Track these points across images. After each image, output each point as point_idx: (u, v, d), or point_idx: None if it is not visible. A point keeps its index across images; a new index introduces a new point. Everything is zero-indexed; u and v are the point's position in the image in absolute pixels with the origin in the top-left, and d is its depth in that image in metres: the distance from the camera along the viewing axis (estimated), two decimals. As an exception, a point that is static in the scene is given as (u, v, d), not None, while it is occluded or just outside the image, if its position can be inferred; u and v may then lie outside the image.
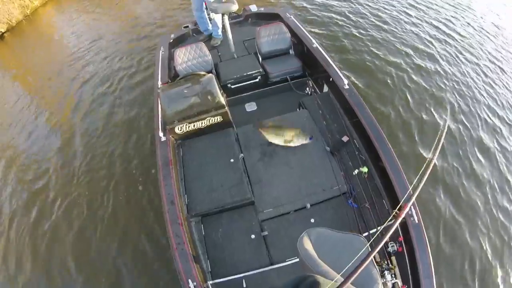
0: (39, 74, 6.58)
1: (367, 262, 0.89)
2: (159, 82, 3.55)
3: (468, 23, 6.24)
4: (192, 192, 2.70)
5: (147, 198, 3.66)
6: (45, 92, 6.07)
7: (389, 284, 2.06)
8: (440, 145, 1.50)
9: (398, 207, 1.25)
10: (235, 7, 3.65)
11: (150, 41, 6.57)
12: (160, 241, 3.20)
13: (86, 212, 3.69)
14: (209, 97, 2.85)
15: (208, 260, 2.43)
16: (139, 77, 5.61)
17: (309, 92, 3.83)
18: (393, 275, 2.11)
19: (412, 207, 2.18)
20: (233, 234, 2.52)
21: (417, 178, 1.31)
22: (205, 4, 4.25)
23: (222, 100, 2.89)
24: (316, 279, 0.53)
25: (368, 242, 2.26)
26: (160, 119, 3.00)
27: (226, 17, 3.83)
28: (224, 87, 3.76)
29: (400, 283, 2.08)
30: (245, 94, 3.91)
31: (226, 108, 2.94)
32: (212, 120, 2.96)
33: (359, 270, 0.86)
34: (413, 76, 4.85)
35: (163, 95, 2.81)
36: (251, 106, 3.90)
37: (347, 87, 3.03)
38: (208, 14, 4.41)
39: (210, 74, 2.93)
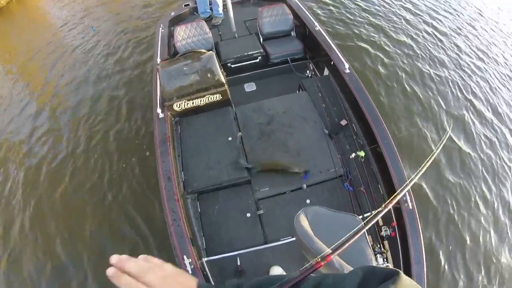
0: (26, 54, 6.35)
1: (357, 236, 0.89)
2: (158, 59, 3.49)
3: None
4: (189, 169, 2.69)
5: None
6: (32, 71, 5.89)
7: None
8: (444, 141, 1.51)
9: (395, 194, 1.25)
10: None
11: (147, 20, 6.40)
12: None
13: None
14: (208, 75, 2.81)
15: (203, 237, 2.45)
16: (136, 55, 5.48)
17: (309, 75, 3.79)
18: (384, 259, 2.16)
19: (407, 193, 2.20)
20: (229, 212, 2.54)
21: (418, 170, 1.30)
22: None
23: (222, 78, 2.85)
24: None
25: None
26: (158, 96, 2.96)
27: None
28: (223, 66, 3.70)
29: (391, 267, 2.12)
30: (244, 74, 3.87)
31: (225, 86, 2.90)
32: (211, 98, 2.93)
33: (349, 243, 0.87)
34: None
35: (162, 71, 2.77)
36: (250, 86, 3.87)
37: (348, 71, 3.01)
38: None
39: (211, 52, 2.88)
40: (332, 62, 3.19)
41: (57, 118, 4.62)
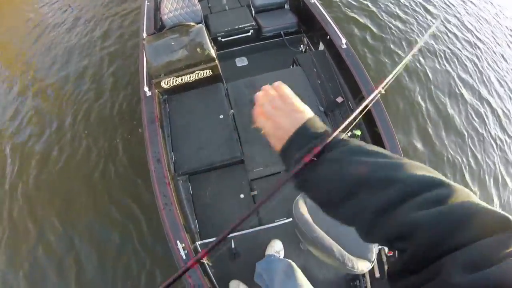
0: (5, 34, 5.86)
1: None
2: (144, 34, 3.27)
3: None
4: (180, 150, 2.59)
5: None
6: (12, 51, 5.45)
7: (375, 250, 2.11)
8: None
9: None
10: None
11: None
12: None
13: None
14: (198, 49, 2.64)
15: (196, 220, 2.40)
16: (123, 29, 5.14)
17: (304, 50, 3.63)
18: None
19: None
20: (221, 194, 2.47)
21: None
22: None
23: (212, 52, 2.69)
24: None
25: None
26: (145, 73, 2.80)
27: None
28: (214, 40, 3.52)
29: (386, 249, 2.12)
30: (236, 48, 3.69)
31: (216, 61, 2.75)
32: (201, 74, 2.78)
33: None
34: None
35: (148, 46, 2.59)
36: (242, 61, 3.70)
37: (344, 46, 2.86)
38: None
39: (200, 25, 2.70)
40: (328, 37, 3.04)
41: (42, 97, 4.40)
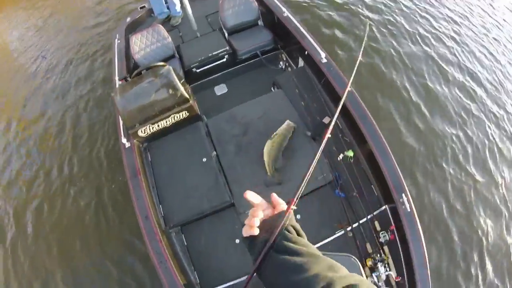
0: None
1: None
2: (117, 78, 3.17)
3: None
4: (167, 201, 2.47)
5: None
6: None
7: (383, 276, 1.96)
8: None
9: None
10: None
11: (103, 27, 5.91)
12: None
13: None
14: (170, 92, 2.52)
15: (194, 271, 2.28)
16: (96, 72, 5.07)
17: (283, 66, 3.49)
18: (386, 266, 2.00)
19: (403, 194, 2.04)
20: (216, 241, 2.35)
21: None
22: None
23: (185, 93, 2.55)
24: None
25: (359, 232, 2.14)
26: (121, 124, 2.69)
27: None
28: (188, 73, 3.40)
29: (394, 275, 1.97)
30: (213, 76, 3.55)
31: (190, 101, 2.61)
32: (177, 117, 2.65)
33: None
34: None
35: (118, 98, 2.47)
36: (221, 89, 3.56)
37: (324, 60, 2.72)
38: None
39: (168, 66, 2.56)
40: (306, 52, 2.89)
41: (27, 149, 4.38)
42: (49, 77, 5.32)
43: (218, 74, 3.54)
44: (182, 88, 2.53)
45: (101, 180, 3.61)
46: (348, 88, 1.44)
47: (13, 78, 5.72)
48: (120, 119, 2.68)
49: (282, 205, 0.74)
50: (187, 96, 2.56)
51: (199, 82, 3.46)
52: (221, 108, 3.03)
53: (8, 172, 4.13)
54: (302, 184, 0.80)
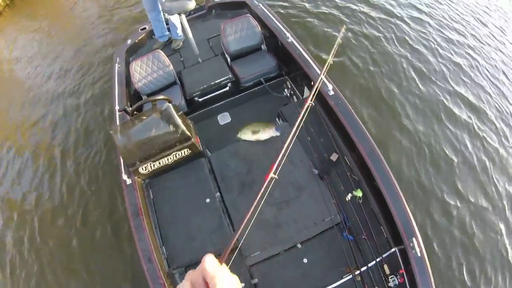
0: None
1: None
2: (117, 108, 3.09)
3: None
4: (170, 242, 2.39)
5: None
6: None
7: None
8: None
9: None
10: (191, 4, 3.11)
11: (108, 49, 5.92)
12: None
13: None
14: (170, 129, 2.44)
15: None
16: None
17: (288, 94, 3.40)
18: None
19: (414, 239, 1.95)
20: None
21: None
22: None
23: (186, 131, 2.47)
24: None
25: (367, 276, 2.06)
26: (122, 161, 2.61)
27: (183, 16, 3.28)
28: (190, 101, 3.32)
29: None
30: (216, 105, 3.47)
31: (192, 139, 2.53)
32: (179, 154, 2.57)
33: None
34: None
35: (117, 136, 2.39)
36: (224, 118, 3.48)
37: (332, 93, 2.63)
38: (165, 14, 3.83)
39: (167, 104, 2.47)
40: (312, 82, 2.81)
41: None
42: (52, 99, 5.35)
43: (221, 103, 3.45)
44: (183, 126, 2.45)
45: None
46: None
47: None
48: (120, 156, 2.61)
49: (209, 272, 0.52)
50: (189, 134, 2.48)
51: (202, 111, 3.39)
52: (225, 139, 2.95)
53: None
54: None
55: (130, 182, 2.54)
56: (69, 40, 6.63)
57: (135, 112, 2.57)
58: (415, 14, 5.18)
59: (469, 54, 4.51)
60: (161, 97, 2.64)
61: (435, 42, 4.64)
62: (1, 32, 8.17)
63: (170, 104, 2.45)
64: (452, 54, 4.48)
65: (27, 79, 6.02)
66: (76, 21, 7.23)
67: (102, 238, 3.41)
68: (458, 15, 5.22)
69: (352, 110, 2.52)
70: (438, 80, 4.14)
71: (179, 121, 2.44)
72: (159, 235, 2.44)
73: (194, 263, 2.33)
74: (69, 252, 3.41)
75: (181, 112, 2.63)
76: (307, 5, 5.56)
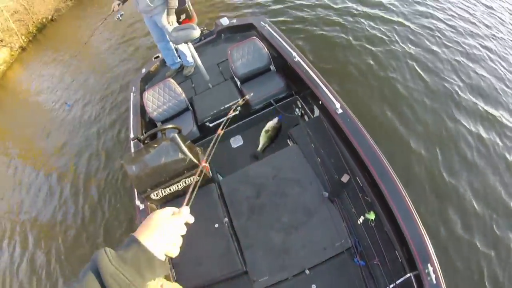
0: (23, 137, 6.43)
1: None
2: (131, 136, 3.22)
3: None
4: (178, 266, 2.41)
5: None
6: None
7: None
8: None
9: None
10: (196, 33, 3.22)
11: (125, 77, 6.31)
12: None
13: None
14: (178, 157, 2.50)
15: None
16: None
17: (299, 114, 3.38)
18: None
19: (429, 265, 1.83)
20: None
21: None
22: None
23: (194, 158, 2.53)
24: None
25: None
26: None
27: (190, 44, 3.40)
28: (202, 127, 3.39)
29: None
30: (227, 128, 3.48)
31: (200, 167, 2.54)
32: (188, 181, 2.62)
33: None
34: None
35: (128, 167, 2.50)
36: (236, 141, 3.50)
37: (340, 111, 2.58)
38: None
39: (173, 135, 2.55)
40: (320, 101, 2.79)
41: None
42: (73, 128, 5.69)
43: (233, 126, 3.48)
44: (190, 154, 2.51)
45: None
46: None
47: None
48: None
49: None
50: (196, 161, 2.52)
51: (213, 135, 3.43)
52: (238, 162, 2.99)
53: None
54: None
55: (143, 207, 2.61)
56: (89, 70, 7.10)
57: (146, 141, 2.67)
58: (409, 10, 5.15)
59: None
60: (170, 126, 2.73)
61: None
62: (26, 66, 8.84)
63: (176, 135, 2.52)
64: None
65: (51, 109, 6.42)
66: (95, 52, 7.77)
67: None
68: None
69: (362, 128, 2.46)
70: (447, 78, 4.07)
71: (185, 149, 2.51)
72: (169, 259, 2.45)
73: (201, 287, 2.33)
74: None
75: (188, 141, 2.70)
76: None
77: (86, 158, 4.89)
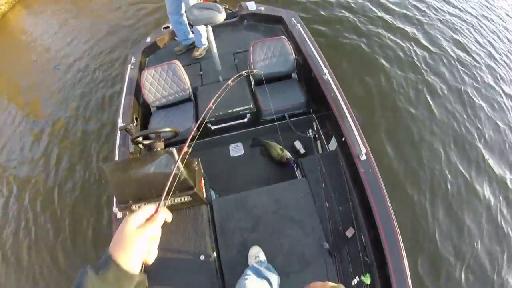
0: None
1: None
2: (120, 120, 2.78)
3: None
4: None
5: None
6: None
7: None
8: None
9: None
10: (221, 17, 2.74)
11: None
12: None
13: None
14: (172, 174, 2.08)
15: None
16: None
17: (312, 136, 3.03)
18: None
19: None
20: None
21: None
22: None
23: (190, 179, 2.14)
24: None
25: None
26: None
27: (210, 28, 2.92)
28: (201, 126, 2.99)
29: None
30: (229, 134, 3.11)
31: (194, 189, 2.19)
32: (177, 200, 2.24)
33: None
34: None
35: (110, 175, 2.07)
36: (237, 149, 3.12)
37: (364, 157, 2.24)
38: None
39: (170, 149, 2.06)
40: (343, 138, 2.45)
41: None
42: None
43: (236, 132, 3.10)
44: (185, 174, 2.10)
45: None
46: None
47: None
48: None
49: None
50: (192, 184, 2.14)
51: (212, 138, 3.05)
52: (234, 175, 2.68)
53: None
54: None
55: (121, 216, 2.28)
56: (91, 27, 6.63)
57: (136, 140, 2.28)
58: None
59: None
60: (167, 129, 2.31)
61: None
62: (30, 9, 8.30)
63: (174, 151, 2.06)
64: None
65: (42, 66, 6.09)
66: (97, 14, 7.12)
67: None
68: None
69: (382, 183, 2.18)
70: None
71: (182, 167, 2.07)
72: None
73: None
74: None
75: (187, 156, 2.30)
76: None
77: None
